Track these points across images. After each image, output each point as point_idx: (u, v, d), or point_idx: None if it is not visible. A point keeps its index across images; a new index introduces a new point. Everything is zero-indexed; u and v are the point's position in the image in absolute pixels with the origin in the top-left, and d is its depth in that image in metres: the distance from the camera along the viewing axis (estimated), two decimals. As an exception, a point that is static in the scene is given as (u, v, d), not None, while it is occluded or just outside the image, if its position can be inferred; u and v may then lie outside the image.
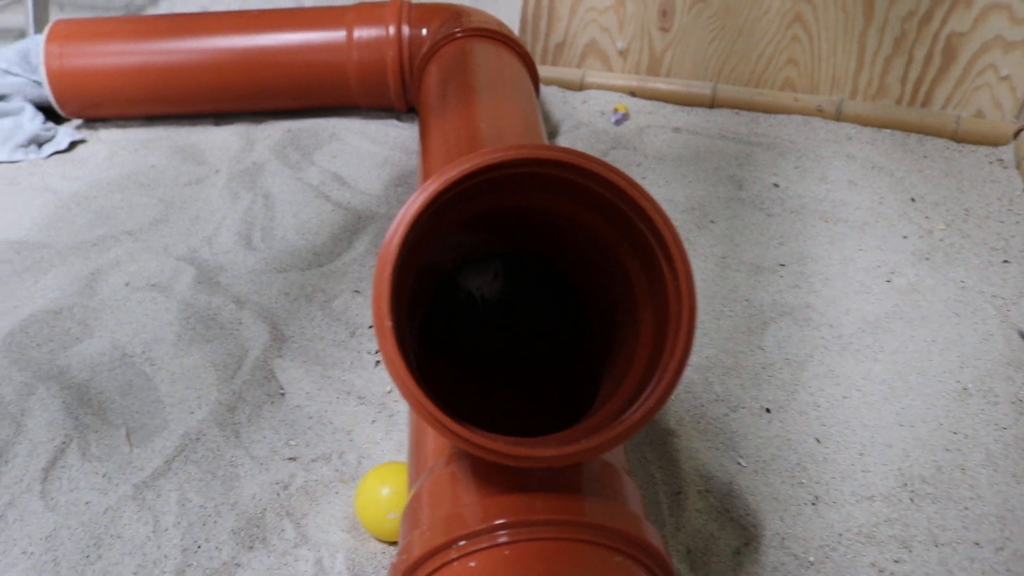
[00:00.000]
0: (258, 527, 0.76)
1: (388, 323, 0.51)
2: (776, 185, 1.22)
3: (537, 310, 0.81)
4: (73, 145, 1.44)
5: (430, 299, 0.79)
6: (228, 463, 0.82)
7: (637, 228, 0.56)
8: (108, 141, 1.45)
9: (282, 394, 0.91)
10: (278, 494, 0.79)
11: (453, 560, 0.52)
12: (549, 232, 0.70)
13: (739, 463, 0.81)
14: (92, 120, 1.51)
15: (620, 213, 0.56)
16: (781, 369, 0.92)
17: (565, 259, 0.74)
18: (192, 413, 0.88)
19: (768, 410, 0.87)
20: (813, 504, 0.77)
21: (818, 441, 0.84)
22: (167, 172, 1.34)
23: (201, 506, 0.78)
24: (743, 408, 0.87)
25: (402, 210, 0.52)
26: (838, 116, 1.38)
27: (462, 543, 0.52)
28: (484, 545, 0.52)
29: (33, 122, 1.45)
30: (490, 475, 0.56)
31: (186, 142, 1.44)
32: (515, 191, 0.62)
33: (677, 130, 1.38)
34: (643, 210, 0.52)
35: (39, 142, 1.43)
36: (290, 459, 0.83)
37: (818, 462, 0.81)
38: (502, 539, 0.51)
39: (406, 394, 0.51)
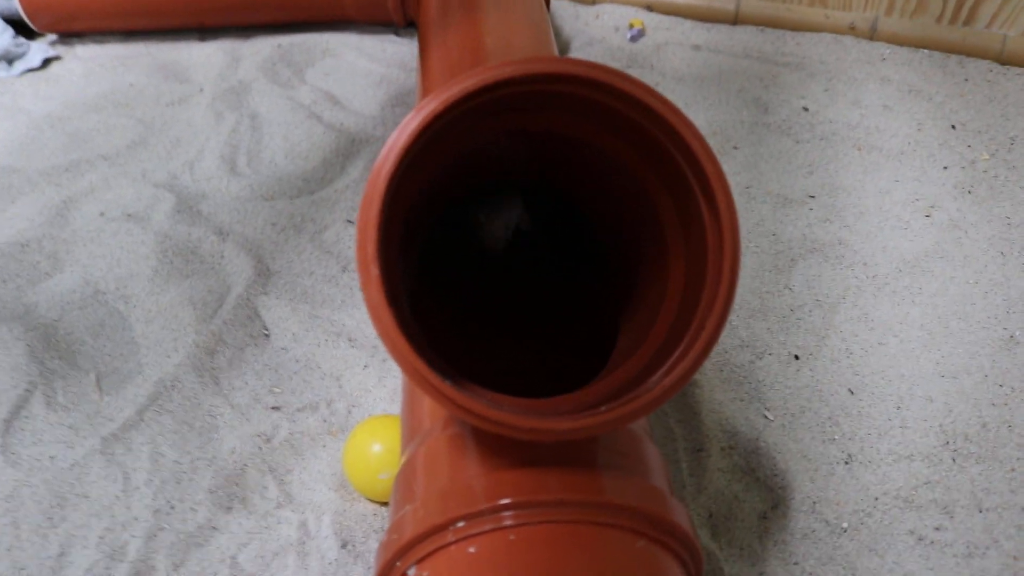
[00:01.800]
0: (237, 485, 0.70)
1: (375, 270, 0.43)
2: (805, 109, 1.13)
3: (552, 247, 0.73)
4: (47, 62, 1.34)
5: (430, 228, 0.71)
6: (206, 413, 0.75)
7: (671, 159, 0.47)
8: (84, 58, 1.35)
9: (266, 335, 0.83)
10: (260, 448, 0.73)
11: (450, 544, 0.45)
12: (567, 160, 0.62)
13: (765, 416, 0.74)
14: (67, 35, 1.40)
15: (650, 140, 0.48)
16: (811, 312, 0.84)
17: (584, 192, 0.66)
18: (168, 357, 0.80)
19: (797, 357, 0.80)
20: (846, 463, 0.71)
21: (851, 392, 0.76)
22: (147, 91, 1.24)
23: (175, 461, 0.71)
24: (770, 355, 0.80)
25: (393, 136, 0.44)
26: (872, 35, 1.27)
27: (461, 524, 0.45)
28: (486, 528, 0.45)
29: (2, 37, 1.34)
30: (494, 444, 0.49)
31: (168, 59, 1.33)
32: (528, 113, 0.53)
33: (697, 48, 1.27)
34: (680, 137, 0.44)
35: (9, 59, 1.33)
36: (273, 408, 0.76)
37: (852, 416, 0.74)
38: (507, 521, 0.44)
39: (396, 355, 0.43)
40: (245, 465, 0.71)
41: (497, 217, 0.71)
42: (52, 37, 1.40)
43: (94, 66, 1.32)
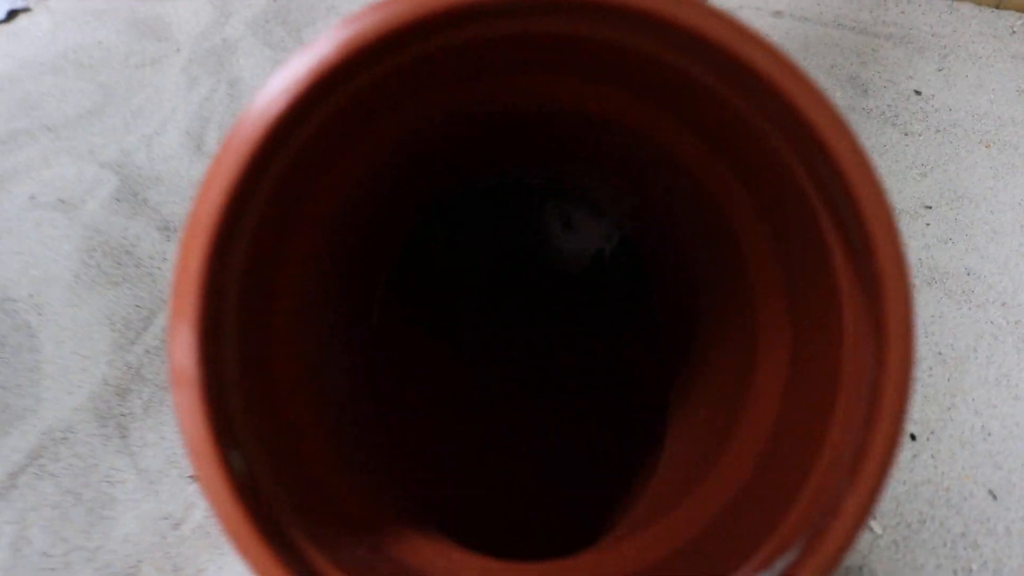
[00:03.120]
0: (124, 593, 0.50)
1: (193, 369, 0.22)
2: (917, 93, 0.89)
3: (590, 284, 0.51)
4: (13, 14, 1.16)
5: (409, 232, 0.50)
6: (103, 479, 0.56)
7: (780, 168, 0.26)
8: (56, 11, 1.16)
9: (203, 369, 0.63)
10: (164, 536, 0.53)
11: None
12: (598, 155, 0.40)
13: (871, 528, 0.52)
14: (41, -18, 1.21)
15: (743, 131, 0.26)
16: (931, 370, 0.62)
17: (625, 210, 0.44)
18: (71, 394, 0.61)
19: (913, 437, 0.58)
20: (993, 610, 0.49)
21: (993, 496, 0.54)
22: (116, 50, 1.05)
23: (45, 553, 0.52)
24: (876, 432, 0.58)
25: (245, 117, 0.23)
26: (998, 2, 1.02)
27: None
28: None
29: (-37, -18, 1.16)
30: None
31: (149, 13, 1.14)
32: (527, 73, 0.32)
33: (779, 14, 1.04)
34: (810, 130, 0.22)
35: (-30, 8, 1.15)
36: (192, 478, 0.56)
37: (995, 534, 0.52)
38: None
39: (234, 544, 0.22)
40: (140, 561, 0.52)
41: (588, 225, 0.51)
42: (25, -14, 1.22)
43: (64, 20, 1.13)
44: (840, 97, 0.89)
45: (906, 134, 0.84)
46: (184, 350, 0.22)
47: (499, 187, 0.51)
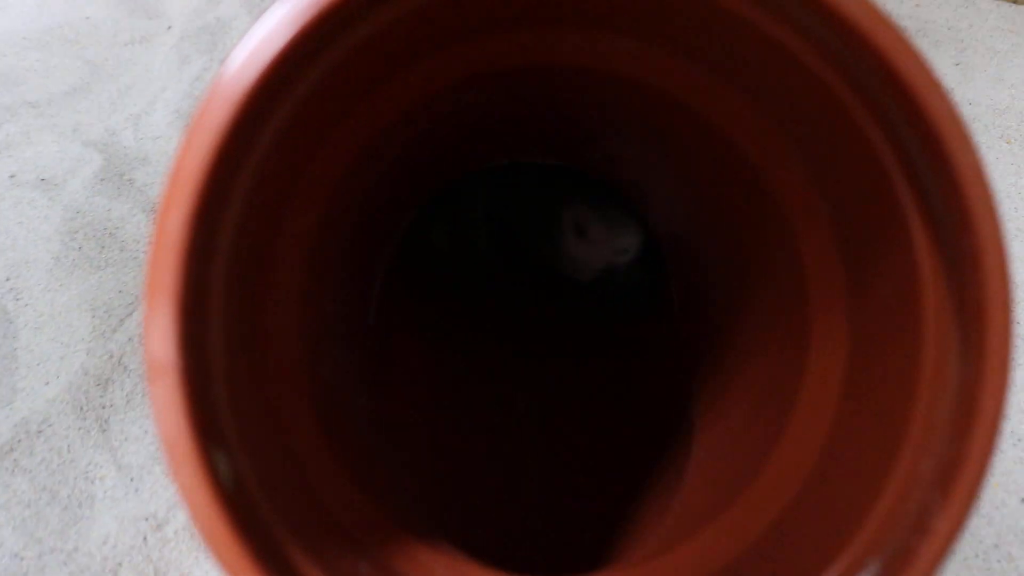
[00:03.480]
0: (101, 598, 0.47)
1: (173, 352, 0.19)
2: (936, 85, 0.86)
3: (608, 275, 0.48)
4: (-2, -13, 1.12)
5: (413, 216, 0.47)
6: (81, 475, 0.52)
7: (847, 132, 0.22)
8: (44, -16, 1.12)
9: (189, 360, 0.60)
10: (145, 537, 0.49)
11: None
12: (624, 125, 0.37)
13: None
14: (28, -43, 1.17)
15: (800, 85, 0.23)
16: (957, 372, 0.59)
17: (649, 184, 0.41)
18: (48, 384, 0.58)
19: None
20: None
21: (1027, 505, 0.51)
22: (104, 26, 1.01)
23: (16, 555, 0.48)
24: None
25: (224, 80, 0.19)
26: (1016, -4, 0.99)
27: None
28: None
29: (-54, -46, 1.12)
30: None
31: (139, -10, 1.10)
32: (545, 29, 0.29)
33: (791, 4, 1.01)
34: (895, 80, 0.19)
35: (-47, -19, 1.11)
36: (176, 475, 0.52)
37: (1031, 546, 0.49)
38: None
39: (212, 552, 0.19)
40: (119, 564, 0.48)
41: (615, 230, 0.47)
42: (11, -40, 1.18)
43: (51, -5, 1.09)
44: (856, 88, 0.86)
45: (925, 128, 0.81)
46: (162, 331, 0.19)
47: (511, 171, 0.48)
